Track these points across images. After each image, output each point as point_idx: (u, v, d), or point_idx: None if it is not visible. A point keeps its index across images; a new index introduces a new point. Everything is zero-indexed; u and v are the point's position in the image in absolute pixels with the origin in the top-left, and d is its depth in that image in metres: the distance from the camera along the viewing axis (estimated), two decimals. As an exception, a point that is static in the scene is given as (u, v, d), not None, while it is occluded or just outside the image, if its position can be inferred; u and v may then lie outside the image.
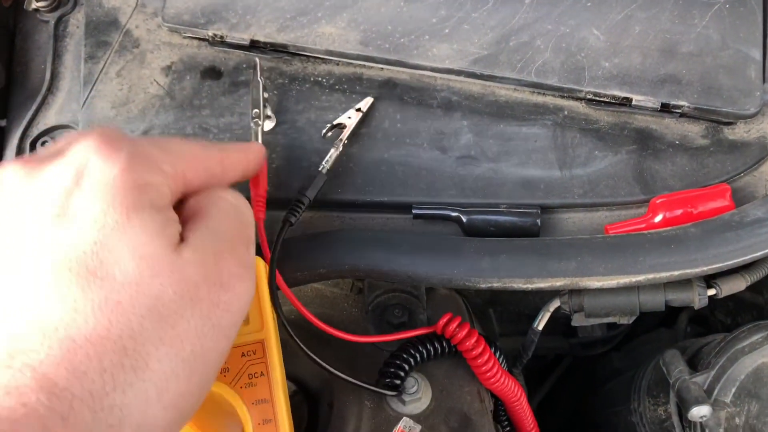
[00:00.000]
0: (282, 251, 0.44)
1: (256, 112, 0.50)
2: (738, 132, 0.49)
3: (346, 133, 0.50)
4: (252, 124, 0.49)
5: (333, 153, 0.49)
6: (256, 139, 0.49)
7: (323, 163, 0.49)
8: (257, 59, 0.52)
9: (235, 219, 0.35)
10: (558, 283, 0.43)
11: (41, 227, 0.30)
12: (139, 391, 0.28)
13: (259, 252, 0.43)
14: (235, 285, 0.32)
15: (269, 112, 0.51)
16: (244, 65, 0.54)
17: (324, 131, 0.51)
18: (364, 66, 0.53)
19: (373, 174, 0.49)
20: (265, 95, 0.51)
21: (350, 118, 0.51)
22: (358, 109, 0.51)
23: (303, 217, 0.49)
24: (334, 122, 0.51)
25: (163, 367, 0.29)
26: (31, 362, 0.27)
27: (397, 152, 0.50)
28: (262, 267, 0.42)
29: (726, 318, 0.71)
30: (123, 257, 0.29)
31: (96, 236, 0.29)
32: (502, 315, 0.68)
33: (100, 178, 0.30)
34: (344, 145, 0.50)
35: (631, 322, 0.50)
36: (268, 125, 0.51)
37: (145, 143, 0.34)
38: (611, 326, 0.74)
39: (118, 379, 0.28)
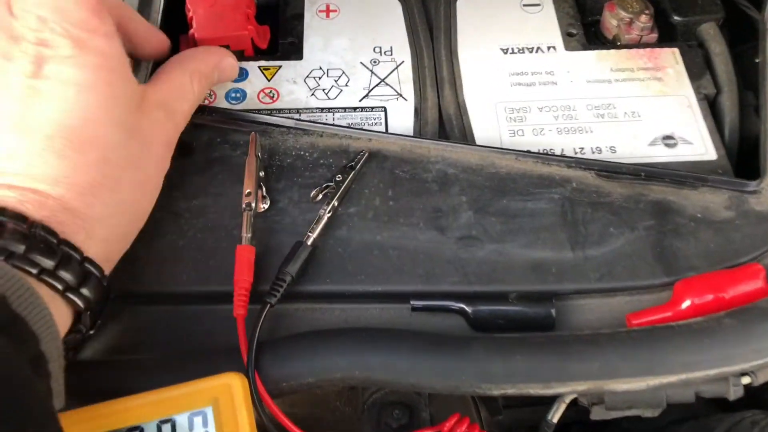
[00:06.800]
0: (263, 357, 0.39)
1: (249, 192, 0.45)
2: (765, 202, 0.45)
3: (337, 195, 0.45)
4: (243, 207, 0.44)
5: (321, 220, 0.44)
6: (248, 226, 0.44)
7: (308, 232, 0.44)
8: (254, 133, 0.47)
9: None
10: (580, 387, 0.38)
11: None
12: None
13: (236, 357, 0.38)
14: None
15: (264, 193, 0.46)
16: (218, 139, 0.49)
17: (313, 194, 0.46)
18: (350, 137, 0.48)
19: (364, 259, 0.44)
20: (261, 174, 0.46)
21: (340, 179, 0.46)
22: (350, 167, 0.47)
23: (286, 310, 0.43)
24: (324, 184, 0.46)
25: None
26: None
27: (390, 234, 0.45)
28: (239, 382, 0.36)
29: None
30: None
31: None
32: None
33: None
34: (333, 209, 0.45)
35: (657, 414, 0.44)
36: (261, 209, 0.46)
37: None
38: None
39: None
